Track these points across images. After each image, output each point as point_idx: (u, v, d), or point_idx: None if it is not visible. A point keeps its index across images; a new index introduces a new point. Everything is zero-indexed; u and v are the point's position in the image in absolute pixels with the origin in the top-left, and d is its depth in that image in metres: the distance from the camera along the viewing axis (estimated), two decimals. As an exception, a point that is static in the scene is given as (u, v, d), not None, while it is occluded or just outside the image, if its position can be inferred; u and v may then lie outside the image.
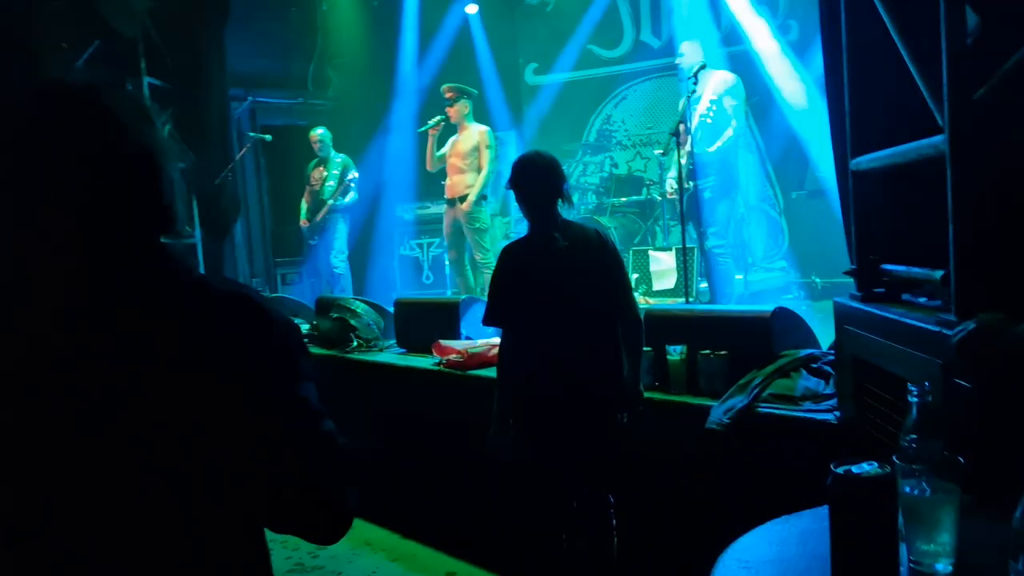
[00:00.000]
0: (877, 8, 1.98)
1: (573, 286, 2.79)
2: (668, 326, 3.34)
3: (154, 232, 1.04)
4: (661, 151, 5.33)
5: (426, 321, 4.90)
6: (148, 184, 1.01)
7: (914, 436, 1.26)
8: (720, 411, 2.88)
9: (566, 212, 2.90)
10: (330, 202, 7.49)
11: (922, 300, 1.97)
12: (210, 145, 7.66)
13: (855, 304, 2.21)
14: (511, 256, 2.94)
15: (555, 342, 2.80)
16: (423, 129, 6.66)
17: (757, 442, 2.77)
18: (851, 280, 2.32)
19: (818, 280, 6.70)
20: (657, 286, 6.45)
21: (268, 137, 8.02)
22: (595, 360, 2.82)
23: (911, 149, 1.86)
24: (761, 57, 7.43)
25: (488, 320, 2.99)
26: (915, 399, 1.27)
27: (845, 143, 2.35)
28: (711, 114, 5.16)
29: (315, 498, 1.05)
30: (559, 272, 2.79)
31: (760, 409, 2.81)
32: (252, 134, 8.33)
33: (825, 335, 3.29)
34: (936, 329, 1.65)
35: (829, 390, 2.80)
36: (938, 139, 1.69)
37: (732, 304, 5.16)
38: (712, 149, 5.21)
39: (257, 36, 8.76)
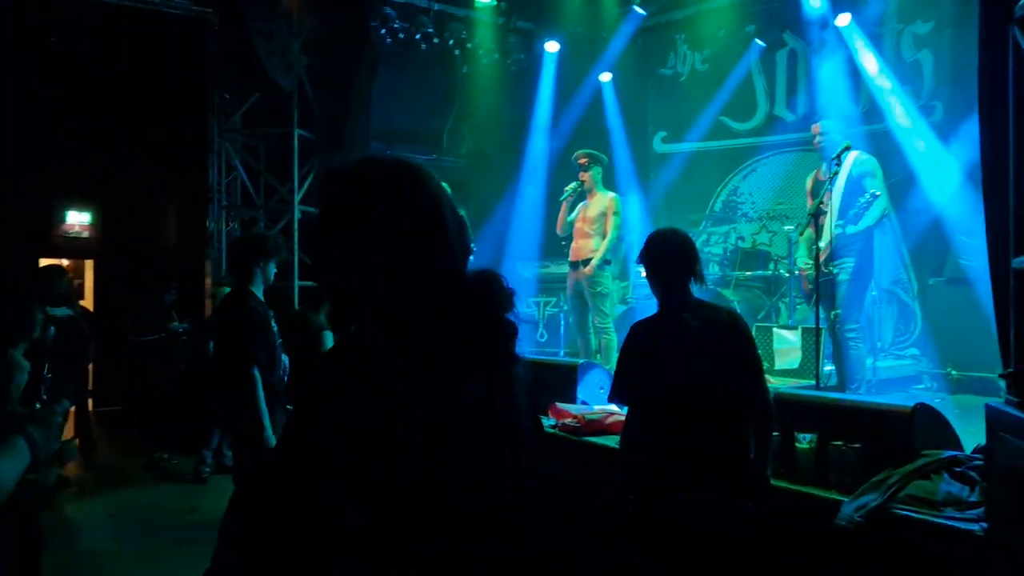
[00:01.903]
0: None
1: (702, 368, 2.73)
2: (798, 411, 3.24)
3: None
4: (799, 230, 5.22)
5: (543, 383, 4.93)
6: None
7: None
8: (851, 508, 2.76)
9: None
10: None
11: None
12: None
13: (1013, 411, 2.10)
14: (640, 334, 2.91)
15: (682, 424, 2.74)
16: (563, 198, 6.77)
17: (891, 546, 2.64)
18: (994, 376, 2.22)
19: (954, 372, 6.35)
20: (780, 364, 6.27)
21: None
22: (722, 444, 2.75)
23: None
24: (902, 137, 7.23)
25: (614, 397, 2.97)
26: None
27: (1006, 238, 2.27)
28: (851, 195, 5.03)
29: None
30: (689, 353, 2.74)
31: (895, 510, 2.68)
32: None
33: (964, 432, 3.12)
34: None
35: (974, 498, 2.64)
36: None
37: (863, 392, 4.95)
38: (851, 231, 5.05)
39: (400, 94, 9.24)
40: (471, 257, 1.31)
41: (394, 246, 1.17)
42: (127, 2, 8.33)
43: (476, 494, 1.14)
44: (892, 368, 6.76)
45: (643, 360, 2.86)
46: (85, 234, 10.41)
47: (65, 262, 11.01)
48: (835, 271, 5.07)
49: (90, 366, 8.47)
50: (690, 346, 2.75)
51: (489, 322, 1.19)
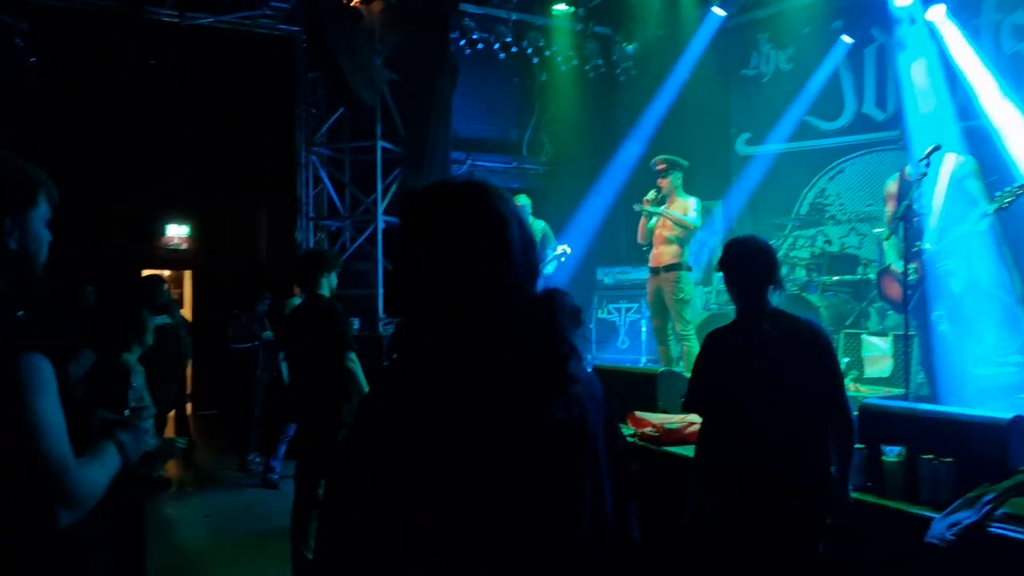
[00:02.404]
0: None
1: (780, 379, 2.67)
2: (886, 423, 3.13)
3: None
4: (885, 234, 5.02)
5: (623, 391, 4.90)
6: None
7: None
8: (943, 525, 2.65)
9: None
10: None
11: None
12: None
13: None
14: (717, 342, 2.87)
15: (758, 435, 2.69)
16: (640, 209, 6.72)
17: (986, 566, 2.52)
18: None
19: (1063, 381, 6.00)
20: (869, 372, 6.06)
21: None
22: (801, 458, 2.68)
23: None
24: (1001, 134, 6.87)
25: (688, 405, 2.95)
26: None
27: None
28: (948, 198, 4.81)
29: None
30: (766, 363, 2.69)
31: (992, 529, 2.56)
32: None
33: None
34: None
35: (1078, 518, 2.50)
36: None
37: (960, 404, 4.73)
38: (950, 236, 4.82)
39: (480, 103, 9.38)
40: (540, 274, 1.35)
41: (457, 264, 1.23)
42: (220, 25, 8.70)
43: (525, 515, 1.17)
44: (993, 376, 6.42)
45: (719, 369, 2.82)
46: (184, 246, 10.94)
47: (166, 273, 11.58)
48: (931, 275, 4.85)
49: (188, 371, 8.89)
50: (768, 356, 2.70)
51: (547, 341, 1.21)
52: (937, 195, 4.81)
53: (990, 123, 6.99)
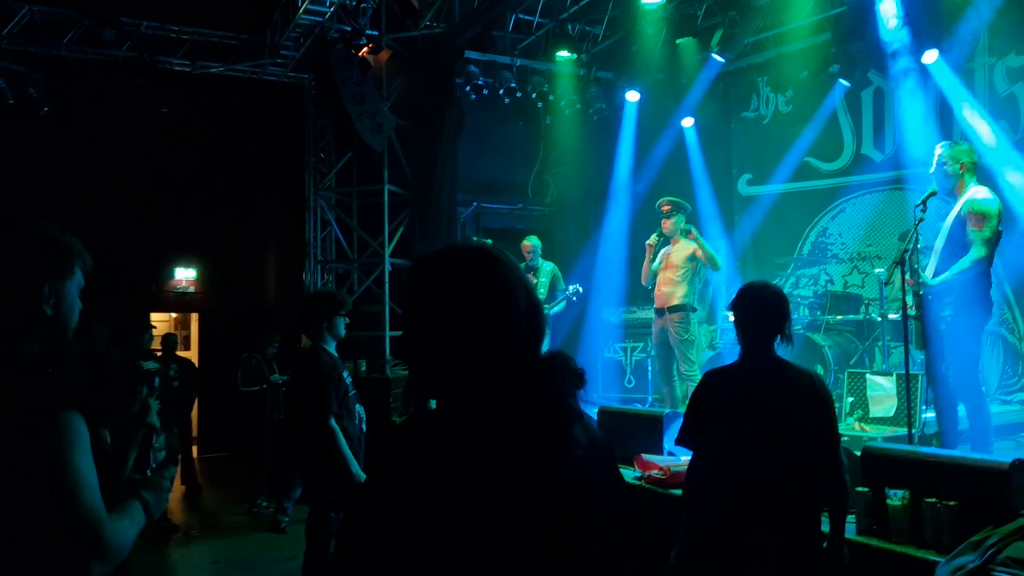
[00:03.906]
0: None
1: (775, 430, 2.65)
2: (889, 466, 3.18)
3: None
4: (885, 279, 5.05)
5: (629, 432, 4.94)
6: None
7: None
8: (947, 569, 2.68)
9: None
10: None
11: None
12: (437, 247, 8.32)
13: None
14: (714, 383, 2.87)
15: (747, 481, 2.66)
16: (648, 253, 6.85)
17: (991, 610, 2.55)
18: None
19: (1068, 419, 6.02)
20: (875, 412, 6.07)
21: (489, 242, 8.57)
22: (789, 512, 2.65)
23: None
24: (996, 173, 6.97)
25: (681, 440, 2.93)
26: None
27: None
28: (947, 238, 4.84)
29: None
30: (762, 412, 2.68)
31: (995, 573, 2.59)
32: (475, 239, 8.96)
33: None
34: None
35: (1080, 561, 2.54)
36: None
37: (968, 441, 4.74)
38: (948, 276, 4.84)
39: (486, 147, 9.54)
40: (545, 338, 1.41)
41: (464, 329, 1.29)
42: (232, 72, 8.91)
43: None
44: (999, 415, 6.41)
45: (714, 410, 2.80)
46: (191, 289, 11.04)
47: (173, 315, 11.67)
48: (933, 317, 4.86)
49: (193, 414, 8.93)
50: (765, 405, 2.69)
51: (553, 409, 1.28)
52: (940, 235, 4.84)
53: (987, 161, 7.09)
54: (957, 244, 4.75)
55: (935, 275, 4.80)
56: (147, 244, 10.08)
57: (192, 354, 10.73)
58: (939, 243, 4.89)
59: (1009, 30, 7.13)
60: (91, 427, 1.54)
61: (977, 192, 4.78)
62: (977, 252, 4.59)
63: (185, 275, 10.99)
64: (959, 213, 4.77)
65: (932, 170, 4.97)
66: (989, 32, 7.35)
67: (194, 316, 11.60)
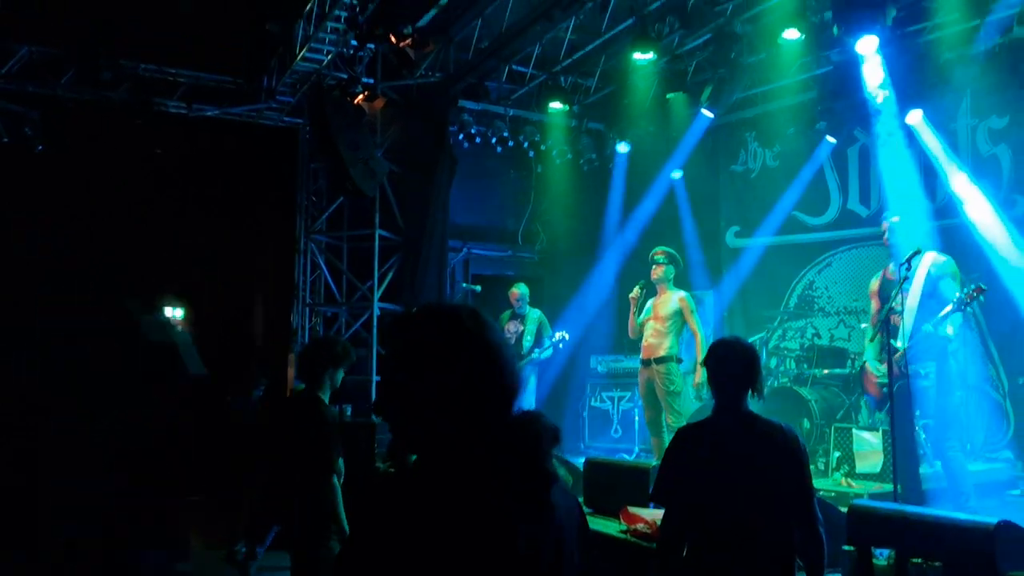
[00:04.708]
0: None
1: (748, 484, 2.65)
2: (875, 525, 3.17)
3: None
4: (870, 334, 5.13)
5: (615, 484, 4.92)
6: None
7: None
8: (933, 631, 2.67)
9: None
10: (531, 356, 7.80)
11: None
12: (427, 291, 8.36)
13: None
14: (688, 439, 2.88)
15: (720, 538, 2.66)
16: (635, 304, 6.89)
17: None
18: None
19: (1053, 477, 6.03)
20: (861, 468, 6.07)
21: (478, 288, 8.61)
22: (765, 567, 2.64)
23: None
24: (980, 231, 7.09)
25: (655, 497, 2.94)
26: None
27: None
28: (928, 296, 4.91)
29: None
30: (735, 467, 2.68)
31: (981, 637, 2.58)
32: (465, 284, 9.00)
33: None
34: None
35: (1065, 626, 2.53)
36: None
37: (972, 505, 4.74)
38: (928, 332, 4.90)
39: (477, 193, 9.64)
40: (519, 397, 1.44)
41: (452, 385, 1.32)
42: (227, 116, 8.99)
43: None
44: (984, 472, 6.45)
45: (688, 465, 2.80)
46: (179, 328, 10.97)
47: (159, 354, 11.54)
48: (915, 375, 4.91)
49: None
50: (738, 460, 2.70)
51: (529, 471, 1.30)
52: (912, 295, 4.91)
53: (970, 220, 7.21)
54: (932, 304, 4.92)
55: (912, 334, 4.88)
56: (135, 282, 10.04)
57: (176, 395, 10.62)
58: (910, 304, 4.98)
59: (991, 93, 7.31)
60: None
61: (938, 257, 5.01)
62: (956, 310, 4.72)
63: (171, 315, 10.93)
64: (929, 273, 4.97)
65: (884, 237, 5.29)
66: (971, 94, 7.54)
67: (180, 356, 11.51)
